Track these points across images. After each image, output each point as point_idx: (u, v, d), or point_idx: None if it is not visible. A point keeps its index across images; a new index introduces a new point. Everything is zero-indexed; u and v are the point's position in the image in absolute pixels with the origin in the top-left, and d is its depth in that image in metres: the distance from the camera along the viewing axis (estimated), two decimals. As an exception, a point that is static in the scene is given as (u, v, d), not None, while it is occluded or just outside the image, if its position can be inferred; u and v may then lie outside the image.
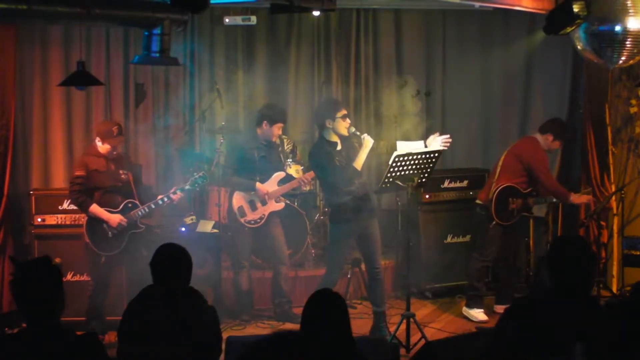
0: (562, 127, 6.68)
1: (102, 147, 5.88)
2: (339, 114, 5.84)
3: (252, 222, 6.54)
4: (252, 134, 6.67)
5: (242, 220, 6.53)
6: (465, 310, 6.74)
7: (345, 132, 5.86)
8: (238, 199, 6.56)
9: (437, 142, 5.78)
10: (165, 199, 5.95)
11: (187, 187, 6.05)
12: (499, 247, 6.66)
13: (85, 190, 5.84)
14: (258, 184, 6.51)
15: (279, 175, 6.61)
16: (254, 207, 6.55)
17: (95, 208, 5.83)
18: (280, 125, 6.56)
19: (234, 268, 6.69)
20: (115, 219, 5.84)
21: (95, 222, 5.85)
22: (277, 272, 6.63)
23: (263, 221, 6.55)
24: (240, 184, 6.55)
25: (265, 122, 6.54)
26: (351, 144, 5.95)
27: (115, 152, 5.93)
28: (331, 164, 5.80)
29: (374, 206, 6.19)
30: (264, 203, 6.55)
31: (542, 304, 3.42)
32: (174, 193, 5.97)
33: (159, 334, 3.68)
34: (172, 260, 3.79)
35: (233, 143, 6.96)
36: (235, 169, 6.56)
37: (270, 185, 6.56)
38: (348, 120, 5.89)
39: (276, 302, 6.66)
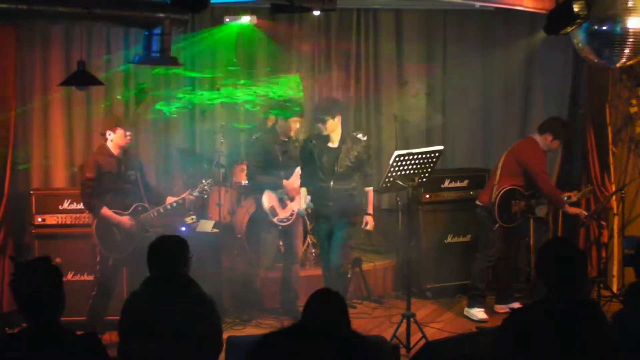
0: (562, 126, 6.65)
1: (115, 136, 5.82)
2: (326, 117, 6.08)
3: (284, 220, 6.52)
4: (272, 131, 6.67)
5: (274, 220, 6.51)
6: (467, 310, 6.74)
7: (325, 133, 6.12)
8: (269, 199, 6.53)
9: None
10: (174, 204, 5.98)
11: (195, 193, 6.08)
12: (502, 247, 6.66)
13: (97, 193, 5.80)
14: (285, 182, 6.51)
15: (300, 169, 6.60)
16: (284, 205, 6.55)
17: (106, 211, 5.79)
18: (295, 119, 6.51)
19: (259, 267, 6.74)
20: (126, 221, 5.84)
21: (105, 224, 5.82)
22: (289, 270, 6.66)
23: (293, 218, 6.58)
24: (266, 182, 6.54)
25: (280, 117, 6.56)
26: (350, 147, 6.07)
27: (128, 137, 5.88)
28: (312, 153, 6.14)
29: (349, 213, 6.21)
30: (292, 200, 6.56)
31: (541, 308, 3.43)
32: (184, 200, 6.02)
33: (158, 324, 3.71)
34: (162, 246, 3.91)
35: (254, 140, 6.93)
36: (260, 167, 6.56)
37: (295, 180, 6.54)
38: (320, 125, 6.10)
39: (283, 297, 6.70)
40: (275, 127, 6.65)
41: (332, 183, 6.08)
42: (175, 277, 3.87)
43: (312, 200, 6.31)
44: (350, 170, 6.10)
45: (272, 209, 6.53)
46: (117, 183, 5.85)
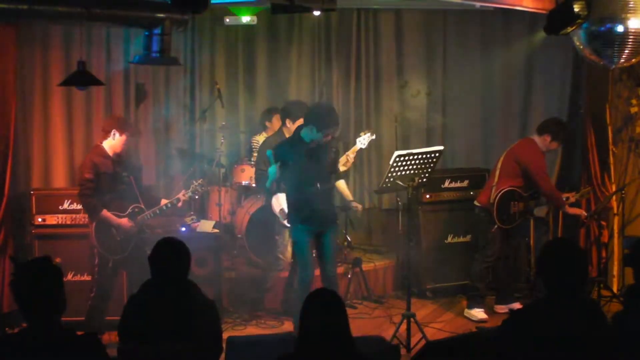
0: (560, 127, 6.64)
1: (118, 139, 5.78)
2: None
3: None
4: (279, 134, 6.65)
5: (285, 222, 6.48)
6: (467, 312, 6.74)
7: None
8: (279, 202, 6.47)
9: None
10: (169, 205, 5.98)
11: (188, 194, 6.06)
12: (500, 247, 6.66)
13: (95, 194, 5.77)
14: None
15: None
16: None
17: (106, 213, 5.78)
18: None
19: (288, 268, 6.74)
20: (126, 223, 5.83)
21: (103, 226, 5.80)
22: (295, 272, 6.58)
23: None
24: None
25: (288, 120, 6.53)
26: (331, 148, 5.95)
27: (126, 146, 5.85)
28: (289, 154, 5.76)
29: (335, 217, 6.04)
30: None
31: (541, 308, 3.43)
32: (178, 200, 5.99)
33: (159, 328, 3.70)
34: (170, 251, 3.86)
35: (263, 143, 6.90)
36: (267, 170, 6.52)
37: None
38: (330, 138, 5.82)
39: (285, 297, 6.69)
40: (282, 130, 6.63)
41: (319, 185, 5.73)
42: (177, 281, 3.85)
43: (296, 205, 5.87)
44: (332, 168, 5.95)
45: (283, 211, 6.49)
46: (114, 184, 5.83)
